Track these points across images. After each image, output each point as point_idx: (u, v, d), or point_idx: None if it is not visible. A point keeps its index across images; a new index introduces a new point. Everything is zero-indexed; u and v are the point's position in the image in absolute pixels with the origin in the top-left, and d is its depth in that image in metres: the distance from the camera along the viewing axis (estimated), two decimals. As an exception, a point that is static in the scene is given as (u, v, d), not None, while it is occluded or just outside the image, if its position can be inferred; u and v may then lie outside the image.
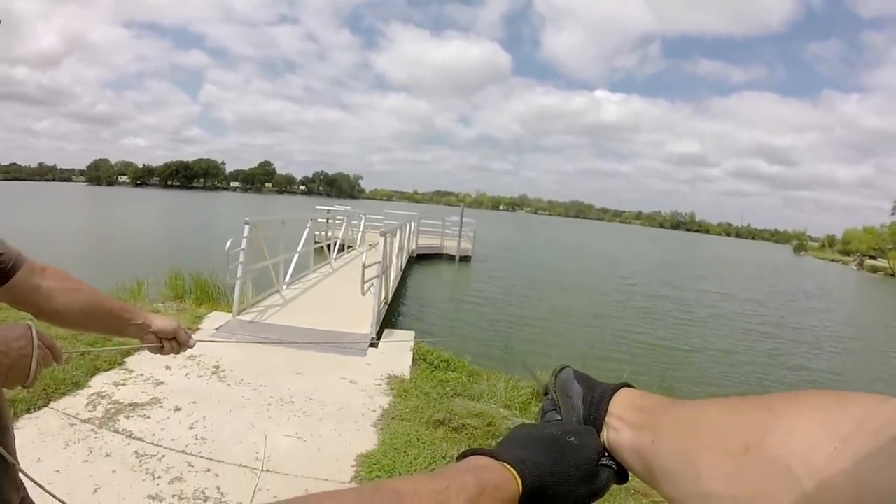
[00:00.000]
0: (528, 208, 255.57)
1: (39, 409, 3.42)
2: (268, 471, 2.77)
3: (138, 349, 1.32)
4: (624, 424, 0.49)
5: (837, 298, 27.62)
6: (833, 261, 79.66)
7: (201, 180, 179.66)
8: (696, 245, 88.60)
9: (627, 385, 0.54)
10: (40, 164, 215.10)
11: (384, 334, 5.60)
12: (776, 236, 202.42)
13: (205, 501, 2.54)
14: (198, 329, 5.30)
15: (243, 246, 5.92)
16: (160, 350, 1.19)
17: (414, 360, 4.79)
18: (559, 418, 0.57)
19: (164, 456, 2.92)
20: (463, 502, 0.40)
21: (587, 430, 0.51)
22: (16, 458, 0.92)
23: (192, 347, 1.25)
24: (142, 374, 3.98)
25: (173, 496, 2.57)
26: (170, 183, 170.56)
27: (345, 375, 4.21)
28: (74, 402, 3.54)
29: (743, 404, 0.38)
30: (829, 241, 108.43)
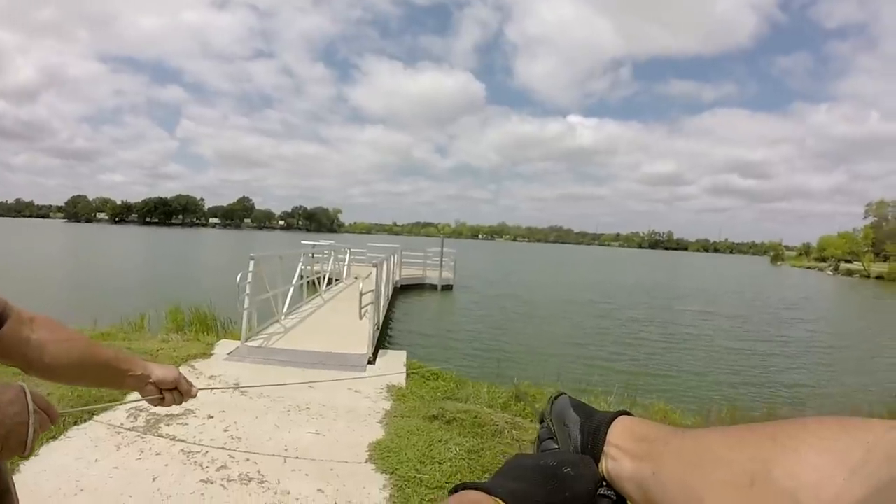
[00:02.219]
0: (508, 236, 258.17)
1: (85, 421, 3.94)
2: (297, 458, 3.40)
3: (138, 402, 1.21)
4: (623, 454, 0.48)
5: (814, 305, 28.81)
6: (809, 268, 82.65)
7: (180, 217, 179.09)
8: (674, 263, 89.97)
9: (626, 413, 0.53)
10: (17, 200, 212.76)
11: (379, 354, 6.30)
12: (754, 248, 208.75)
13: (249, 482, 3.15)
14: (211, 355, 5.89)
15: (249, 279, 6.57)
16: (161, 402, 1.15)
17: (408, 373, 5.48)
18: (556, 447, 0.57)
19: (207, 452, 3.51)
20: None
21: (585, 460, 0.50)
22: None
23: (194, 397, 1.21)
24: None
25: (222, 479, 3.17)
26: (148, 220, 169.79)
27: (350, 387, 4.86)
28: (116, 415, 4.09)
29: (746, 435, 0.38)
30: (806, 250, 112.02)
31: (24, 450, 0.77)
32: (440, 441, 3.55)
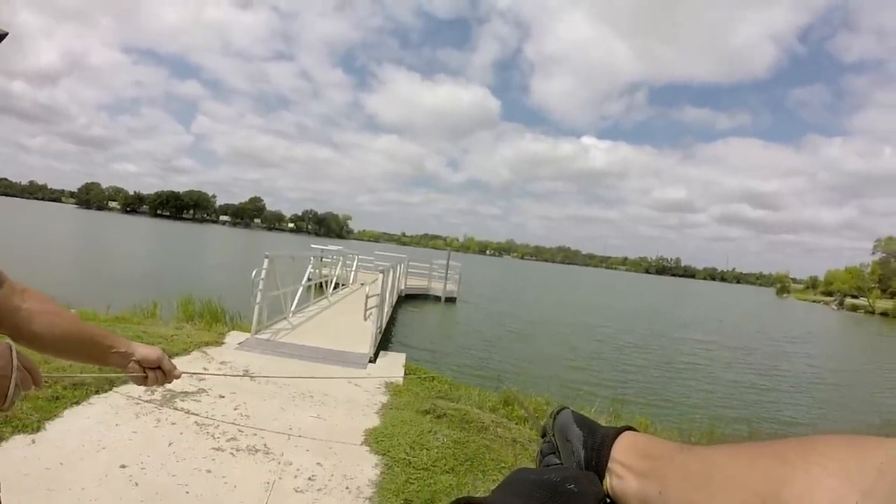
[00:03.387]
0: (515, 253, 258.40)
1: (107, 391, 4.27)
2: (300, 436, 3.76)
3: (121, 377, 1.22)
4: (628, 472, 0.48)
5: (816, 340, 28.85)
6: (815, 301, 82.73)
7: (191, 212, 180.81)
8: (680, 290, 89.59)
9: (630, 428, 0.53)
10: (31, 182, 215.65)
11: (380, 354, 6.68)
12: (761, 279, 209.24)
13: (255, 453, 3.50)
14: (223, 343, 6.27)
15: (262, 276, 6.98)
16: (143, 380, 1.14)
17: (405, 373, 5.85)
18: (558, 462, 0.56)
19: (218, 425, 3.87)
20: None
21: (588, 477, 0.49)
22: None
23: (177, 378, 1.21)
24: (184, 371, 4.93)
25: (232, 448, 3.52)
26: (159, 212, 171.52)
27: (351, 381, 5.22)
28: (135, 388, 4.43)
29: (755, 454, 0.37)
30: (813, 283, 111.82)
31: (4, 403, 0.80)
32: (430, 431, 3.90)
